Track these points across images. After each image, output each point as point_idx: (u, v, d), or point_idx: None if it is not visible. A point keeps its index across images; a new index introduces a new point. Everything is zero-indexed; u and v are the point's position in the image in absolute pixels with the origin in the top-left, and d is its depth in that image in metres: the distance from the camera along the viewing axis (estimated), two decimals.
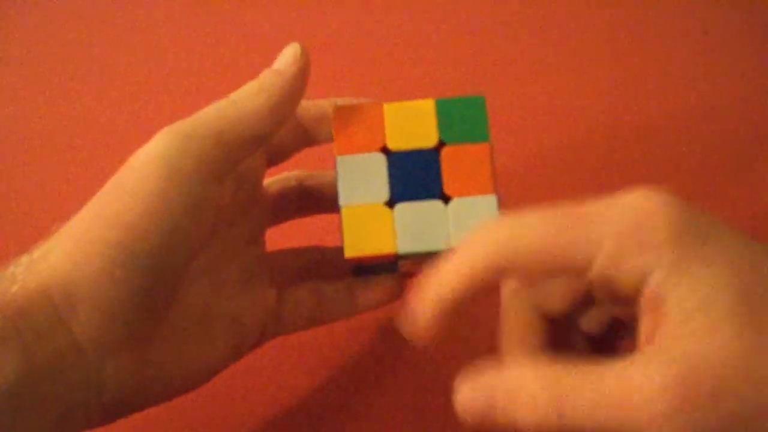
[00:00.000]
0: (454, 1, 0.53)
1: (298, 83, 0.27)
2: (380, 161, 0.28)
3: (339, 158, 0.28)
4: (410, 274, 0.31)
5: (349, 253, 0.27)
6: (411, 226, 0.27)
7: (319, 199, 0.32)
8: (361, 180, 0.27)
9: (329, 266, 0.32)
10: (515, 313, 0.26)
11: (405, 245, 0.27)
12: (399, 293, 0.31)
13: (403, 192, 0.27)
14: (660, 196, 0.22)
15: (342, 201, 0.27)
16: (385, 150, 0.27)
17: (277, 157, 0.30)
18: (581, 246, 0.22)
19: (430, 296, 0.23)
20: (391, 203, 0.27)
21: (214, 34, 0.52)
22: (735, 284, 0.20)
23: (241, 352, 0.30)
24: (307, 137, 0.30)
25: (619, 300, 0.22)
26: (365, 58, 0.50)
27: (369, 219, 0.27)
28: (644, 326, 0.22)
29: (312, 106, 0.30)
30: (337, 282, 0.31)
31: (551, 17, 0.51)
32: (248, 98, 0.27)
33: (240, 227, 0.30)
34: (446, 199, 0.27)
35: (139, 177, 0.25)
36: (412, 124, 0.28)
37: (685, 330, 0.20)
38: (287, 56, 0.28)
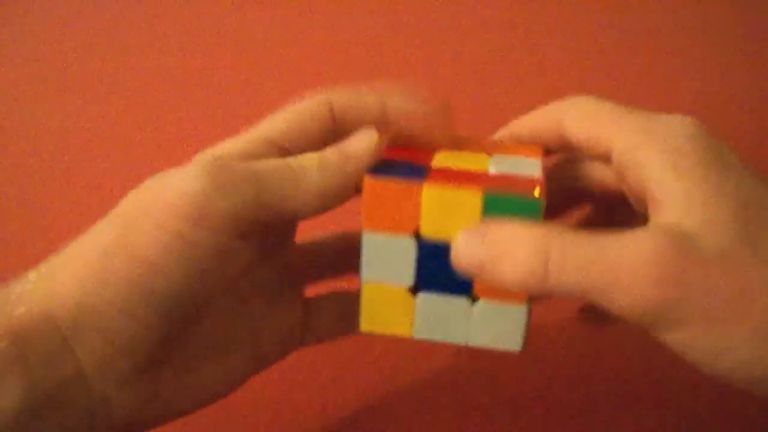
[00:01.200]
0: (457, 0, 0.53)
1: (362, 171, 0.25)
2: (410, 246, 0.25)
3: (366, 234, 0.25)
4: None
5: (365, 327, 0.26)
6: (432, 316, 0.25)
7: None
8: (387, 259, 0.25)
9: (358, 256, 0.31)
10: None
11: (422, 332, 0.26)
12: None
13: (429, 282, 0.25)
14: (693, 123, 0.24)
15: (364, 276, 0.25)
16: (417, 234, 0.25)
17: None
18: (617, 133, 0.25)
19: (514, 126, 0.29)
20: (414, 290, 0.25)
21: (214, 34, 0.52)
22: (742, 202, 0.22)
23: (263, 366, 0.29)
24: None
25: (631, 188, 0.25)
26: (365, 58, 0.50)
27: (390, 300, 0.25)
28: (655, 212, 0.23)
29: (356, 103, 0.27)
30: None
31: (551, 17, 0.51)
32: (305, 171, 0.24)
33: (267, 236, 0.28)
34: (474, 299, 0.25)
35: (167, 213, 0.23)
36: (452, 214, 0.24)
37: (684, 218, 0.22)
38: (361, 141, 0.25)
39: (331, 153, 0.25)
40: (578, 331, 0.37)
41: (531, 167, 0.26)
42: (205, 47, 0.52)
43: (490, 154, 0.27)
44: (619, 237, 0.21)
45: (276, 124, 0.26)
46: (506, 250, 0.22)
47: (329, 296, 0.30)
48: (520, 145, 0.27)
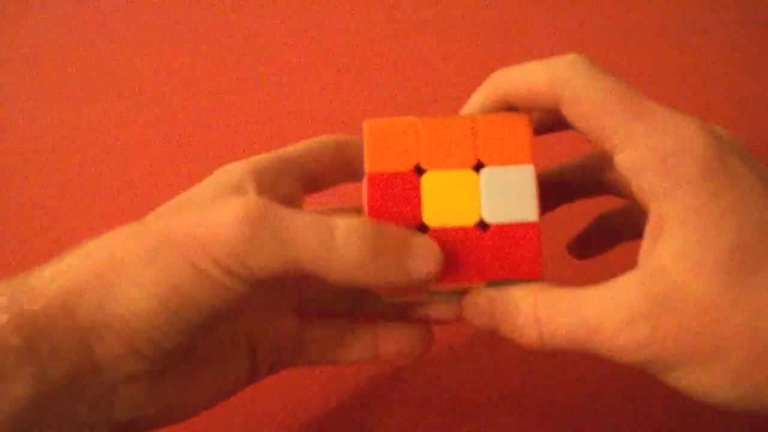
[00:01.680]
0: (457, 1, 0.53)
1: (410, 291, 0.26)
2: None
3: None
4: (440, 321, 0.30)
5: (372, 168, 0.26)
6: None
7: None
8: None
9: (361, 299, 0.31)
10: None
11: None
12: (427, 346, 0.30)
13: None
14: (711, 134, 0.23)
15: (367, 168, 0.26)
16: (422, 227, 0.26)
17: (317, 186, 0.29)
18: (622, 135, 0.23)
19: (494, 83, 0.26)
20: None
21: (214, 34, 0.52)
22: (737, 238, 0.22)
23: (254, 378, 0.29)
24: (348, 171, 0.29)
25: (632, 198, 0.25)
26: (366, 60, 0.50)
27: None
28: (645, 243, 0.24)
29: (357, 143, 0.28)
30: (363, 324, 0.30)
31: (551, 17, 0.51)
32: (347, 247, 0.23)
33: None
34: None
35: (202, 255, 0.23)
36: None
37: (671, 266, 0.22)
38: (426, 257, 0.25)
39: (387, 249, 0.24)
40: None
41: (525, 195, 0.26)
42: (205, 47, 0.52)
43: (477, 163, 0.26)
44: (608, 296, 0.23)
45: (295, 148, 0.28)
46: (505, 313, 0.25)
47: (325, 321, 0.30)
48: (508, 126, 0.26)
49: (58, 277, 0.24)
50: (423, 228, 0.25)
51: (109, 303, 0.23)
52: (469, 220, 0.25)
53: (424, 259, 0.24)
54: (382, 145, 0.26)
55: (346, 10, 0.53)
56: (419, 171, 0.26)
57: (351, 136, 0.29)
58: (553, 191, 0.30)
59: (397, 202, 0.25)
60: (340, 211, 0.29)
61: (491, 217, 0.25)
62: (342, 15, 0.53)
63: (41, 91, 0.51)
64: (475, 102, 0.27)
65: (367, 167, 0.26)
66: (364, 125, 0.26)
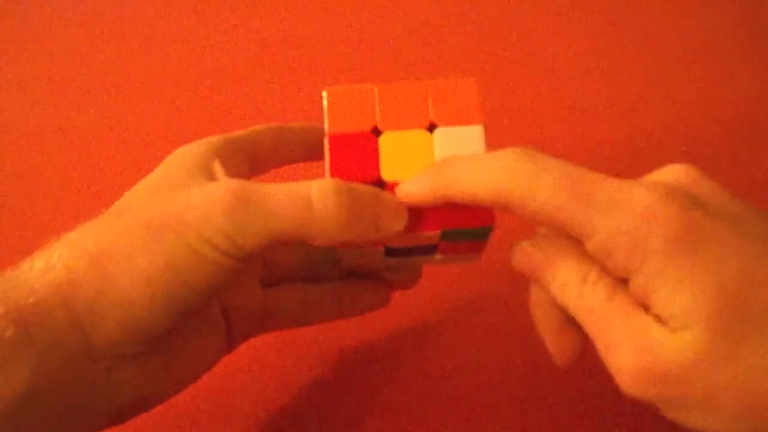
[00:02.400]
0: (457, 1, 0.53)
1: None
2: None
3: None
4: (395, 284, 0.33)
5: (332, 129, 0.27)
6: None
7: None
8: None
9: (323, 266, 0.33)
10: (542, 306, 0.28)
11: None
12: (385, 302, 0.33)
13: None
14: (666, 195, 0.23)
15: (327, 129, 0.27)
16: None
17: (260, 166, 0.31)
18: (579, 226, 0.23)
19: (438, 178, 0.26)
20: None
21: (215, 33, 0.52)
22: (720, 291, 0.22)
23: (233, 345, 0.31)
24: (289, 154, 0.31)
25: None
26: (366, 57, 0.50)
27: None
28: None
29: (298, 128, 0.30)
30: (325, 285, 0.32)
31: (551, 16, 0.51)
32: (325, 210, 0.25)
33: None
34: None
35: (193, 234, 0.24)
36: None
37: (661, 336, 0.23)
38: (394, 211, 0.26)
39: (360, 203, 0.25)
40: None
41: (476, 148, 0.27)
42: (206, 47, 0.52)
43: (430, 125, 0.27)
44: (625, 320, 0.24)
45: (238, 133, 0.30)
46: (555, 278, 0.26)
47: (288, 287, 0.32)
48: (459, 90, 0.28)
49: (51, 270, 0.24)
50: (380, 183, 0.27)
51: (106, 292, 0.24)
52: None
53: (393, 213, 0.26)
54: (341, 109, 0.28)
55: (345, 10, 0.53)
56: (376, 132, 0.27)
57: (290, 123, 0.31)
58: None
59: (356, 160, 0.27)
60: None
61: None
62: (342, 15, 0.53)
63: (41, 91, 0.51)
64: (416, 186, 0.26)
65: (328, 129, 0.27)
66: (324, 91, 0.28)
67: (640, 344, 0.23)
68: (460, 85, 0.28)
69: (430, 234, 0.27)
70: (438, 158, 0.27)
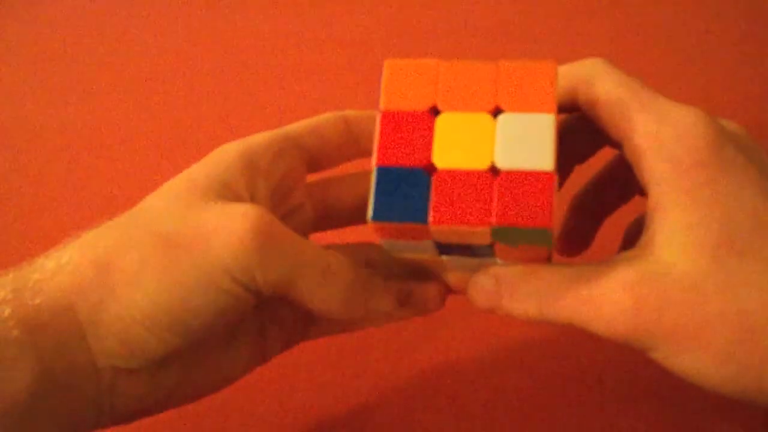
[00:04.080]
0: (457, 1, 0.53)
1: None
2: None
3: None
4: (452, 288, 0.30)
5: (387, 105, 0.25)
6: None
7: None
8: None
9: (381, 266, 0.30)
10: None
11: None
12: (440, 304, 0.30)
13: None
14: (710, 122, 0.24)
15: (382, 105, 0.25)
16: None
17: (321, 164, 0.29)
18: (626, 121, 0.25)
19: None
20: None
21: (215, 33, 0.52)
22: (727, 223, 0.22)
23: (267, 357, 0.29)
24: (357, 149, 0.29)
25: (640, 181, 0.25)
26: (369, 59, 0.50)
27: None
28: (646, 227, 0.24)
29: (367, 118, 0.28)
30: (375, 288, 0.29)
31: (551, 16, 0.51)
32: (343, 284, 0.26)
33: None
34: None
35: (212, 263, 0.23)
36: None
37: (663, 247, 0.23)
38: (429, 295, 0.28)
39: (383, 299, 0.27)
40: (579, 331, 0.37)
41: (543, 144, 0.24)
42: (206, 47, 0.52)
43: (496, 109, 0.25)
44: (601, 272, 0.24)
45: (298, 125, 0.28)
46: (510, 290, 0.25)
47: None
48: (533, 73, 0.25)
49: (59, 272, 0.24)
50: (431, 168, 0.24)
51: (110, 304, 0.23)
52: (481, 164, 0.24)
53: (388, 301, 0.27)
54: (399, 84, 0.25)
55: (345, 10, 0.53)
56: (435, 112, 0.25)
57: (360, 111, 0.29)
58: (593, 209, 0.32)
59: (408, 141, 0.24)
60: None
61: (504, 163, 0.24)
62: (342, 15, 0.53)
63: (41, 91, 0.51)
64: None
65: (382, 104, 0.25)
66: (385, 63, 0.26)
67: (631, 280, 0.23)
68: (535, 67, 0.25)
69: (479, 231, 0.24)
70: (498, 146, 0.24)
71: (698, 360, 0.22)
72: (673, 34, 0.50)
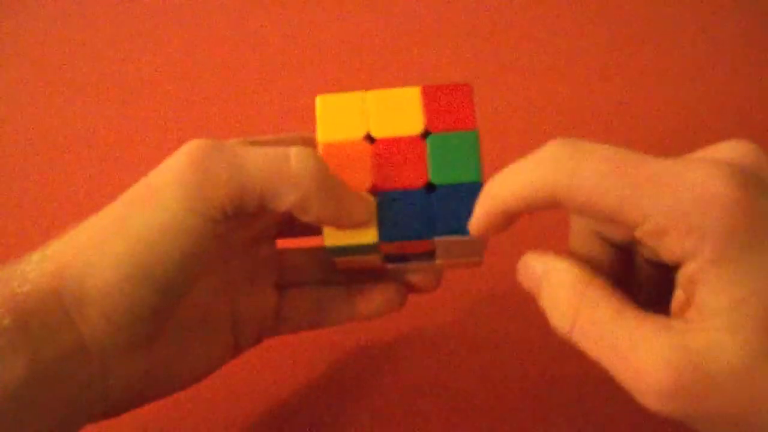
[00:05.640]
0: (452, 2, 0.53)
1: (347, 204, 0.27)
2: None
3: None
4: (413, 287, 0.32)
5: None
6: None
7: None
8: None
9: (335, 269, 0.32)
10: (580, 233, 0.26)
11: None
12: (400, 304, 0.32)
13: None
14: (730, 175, 0.20)
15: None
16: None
17: None
18: (631, 209, 0.21)
19: (488, 198, 0.24)
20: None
21: (215, 34, 0.52)
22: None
23: (240, 349, 0.31)
24: None
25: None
26: (363, 59, 0.50)
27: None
28: (677, 298, 0.22)
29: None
30: (338, 288, 0.32)
31: (550, 15, 0.51)
32: (288, 161, 0.25)
33: (250, 228, 0.30)
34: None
35: (162, 199, 0.24)
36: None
37: (706, 323, 0.20)
38: (365, 208, 0.27)
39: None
40: None
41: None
42: (206, 47, 0.52)
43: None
44: (645, 337, 0.21)
45: (263, 138, 0.29)
46: (550, 297, 0.24)
47: (302, 289, 0.32)
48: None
49: (44, 260, 0.25)
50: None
51: (88, 278, 0.24)
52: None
53: (363, 208, 0.26)
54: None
55: (345, 10, 0.53)
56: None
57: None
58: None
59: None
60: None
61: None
62: (341, 14, 0.53)
63: (41, 91, 0.51)
64: (477, 220, 0.25)
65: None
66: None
67: (675, 361, 0.20)
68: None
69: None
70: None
71: None
72: (673, 34, 0.50)
